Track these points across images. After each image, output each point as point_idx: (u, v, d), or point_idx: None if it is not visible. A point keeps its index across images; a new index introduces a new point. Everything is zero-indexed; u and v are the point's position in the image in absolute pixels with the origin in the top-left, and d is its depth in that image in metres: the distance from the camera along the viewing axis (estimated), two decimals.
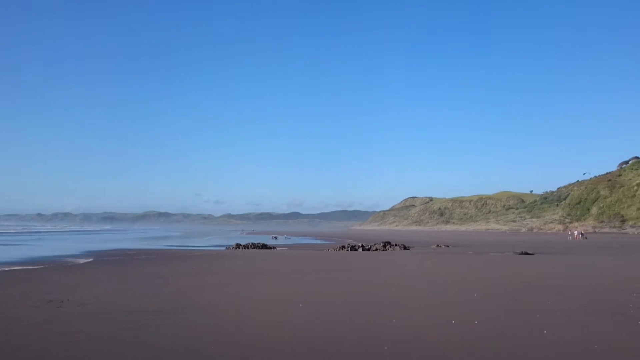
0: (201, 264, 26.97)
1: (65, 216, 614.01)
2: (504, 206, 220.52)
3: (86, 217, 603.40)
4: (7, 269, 23.51)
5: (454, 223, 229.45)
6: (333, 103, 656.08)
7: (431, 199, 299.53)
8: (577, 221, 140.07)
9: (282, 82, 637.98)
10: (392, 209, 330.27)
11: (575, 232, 79.57)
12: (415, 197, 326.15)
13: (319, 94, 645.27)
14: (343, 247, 42.16)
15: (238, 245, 46.03)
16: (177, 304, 13.06)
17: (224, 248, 46.80)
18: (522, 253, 35.12)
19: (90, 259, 30.34)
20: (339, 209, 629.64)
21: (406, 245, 44.91)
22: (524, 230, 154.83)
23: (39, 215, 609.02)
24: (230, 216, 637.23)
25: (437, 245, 50.08)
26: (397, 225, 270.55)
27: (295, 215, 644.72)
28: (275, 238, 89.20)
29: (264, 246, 45.64)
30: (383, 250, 41.59)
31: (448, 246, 49.41)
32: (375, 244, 43.99)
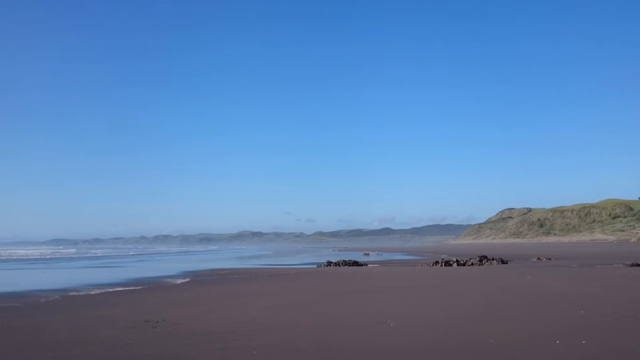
0: (291, 283, 27.02)
1: (165, 238, 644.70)
2: (609, 215, 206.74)
3: (184, 239, 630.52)
4: (110, 290, 24.70)
5: (555, 234, 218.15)
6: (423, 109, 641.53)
7: (529, 210, 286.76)
8: None
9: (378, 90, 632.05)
10: (487, 222, 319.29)
11: None
12: (512, 208, 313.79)
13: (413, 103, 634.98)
14: (436, 262, 40.90)
15: (329, 263, 45.88)
16: (262, 324, 12.97)
17: (315, 266, 46.86)
18: (633, 265, 32.39)
19: (187, 279, 31.27)
20: (432, 224, 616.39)
21: (504, 259, 42.88)
22: (633, 239, 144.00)
23: (142, 237, 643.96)
24: (321, 234, 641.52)
25: (538, 258, 47.47)
26: (493, 239, 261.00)
27: (386, 231, 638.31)
28: (367, 255, 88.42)
29: (355, 263, 45.22)
30: (479, 264, 39.94)
31: (550, 259, 46.66)
32: (470, 259, 42.35)
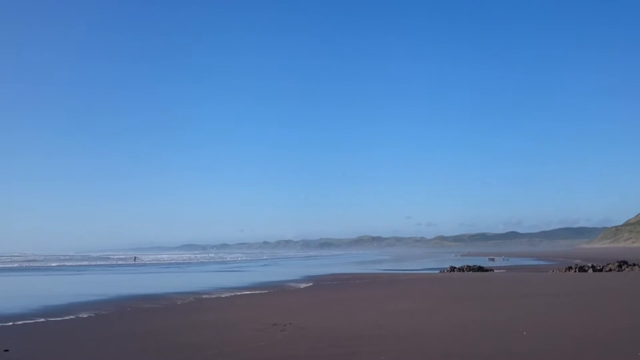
0: (414, 288, 26.58)
1: (287, 243, 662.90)
2: None
3: (305, 244, 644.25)
4: (238, 293, 25.80)
5: None
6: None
7: None
8: None
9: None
10: (625, 224, 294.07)
11: None
12: None
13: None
14: (569, 268, 38.31)
15: (452, 268, 44.69)
16: (387, 330, 12.81)
17: (437, 271, 45.88)
18: None
19: (310, 284, 31.88)
20: (562, 226, 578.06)
21: None
22: None
23: (265, 243, 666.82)
24: (442, 238, 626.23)
25: None
26: (633, 242, 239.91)
27: (512, 235, 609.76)
28: (492, 260, 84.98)
29: (480, 269, 43.64)
30: (618, 270, 36.81)
31: None
32: (608, 264, 39.19)
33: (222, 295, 24.72)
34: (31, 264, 74.49)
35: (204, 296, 24.39)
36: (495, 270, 44.01)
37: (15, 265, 72.10)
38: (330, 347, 10.84)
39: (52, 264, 76.27)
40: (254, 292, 26.63)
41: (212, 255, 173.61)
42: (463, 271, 42.51)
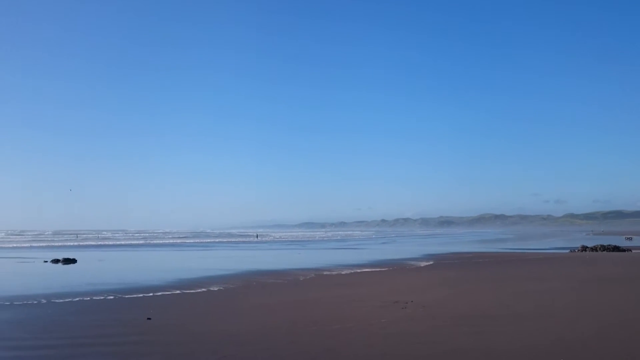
0: (540, 268, 25.36)
1: (405, 221, 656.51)
2: None
3: (424, 222, 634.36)
4: (358, 270, 26.14)
5: None
6: None
7: None
8: None
9: None
10: None
11: None
12: None
13: None
14: None
15: (584, 248, 41.97)
16: (512, 310, 12.40)
17: (567, 251, 43.36)
18: None
19: (431, 262, 31.50)
20: None
21: None
22: None
23: (383, 221, 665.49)
24: (573, 216, 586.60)
25: None
26: None
27: None
28: (630, 239, 78.59)
29: (616, 248, 40.59)
30: None
31: None
32: None
33: (343, 272, 25.18)
34: (169, 241, 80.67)
35: (324, 273, 25.00)
36: (633, 251, 40.74)
37: (159, 241, 78.50)
38: (454, 325, 10.69)
39: (188, 241, 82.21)
40: (374, 269, 26.84)
41: (339, 233, 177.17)
42: (596, 251, 39.81)
